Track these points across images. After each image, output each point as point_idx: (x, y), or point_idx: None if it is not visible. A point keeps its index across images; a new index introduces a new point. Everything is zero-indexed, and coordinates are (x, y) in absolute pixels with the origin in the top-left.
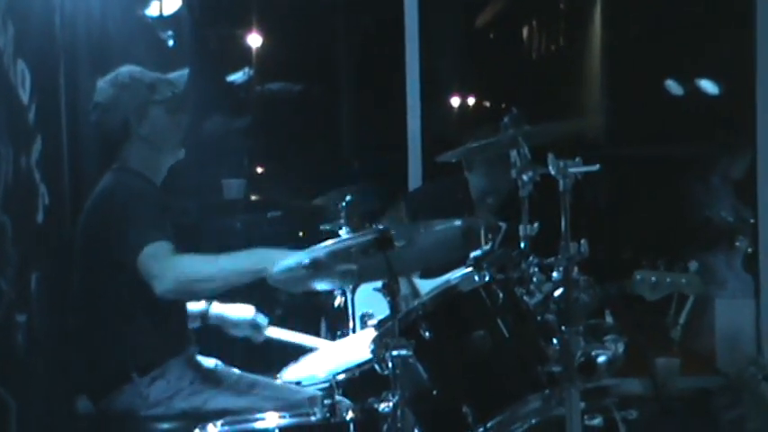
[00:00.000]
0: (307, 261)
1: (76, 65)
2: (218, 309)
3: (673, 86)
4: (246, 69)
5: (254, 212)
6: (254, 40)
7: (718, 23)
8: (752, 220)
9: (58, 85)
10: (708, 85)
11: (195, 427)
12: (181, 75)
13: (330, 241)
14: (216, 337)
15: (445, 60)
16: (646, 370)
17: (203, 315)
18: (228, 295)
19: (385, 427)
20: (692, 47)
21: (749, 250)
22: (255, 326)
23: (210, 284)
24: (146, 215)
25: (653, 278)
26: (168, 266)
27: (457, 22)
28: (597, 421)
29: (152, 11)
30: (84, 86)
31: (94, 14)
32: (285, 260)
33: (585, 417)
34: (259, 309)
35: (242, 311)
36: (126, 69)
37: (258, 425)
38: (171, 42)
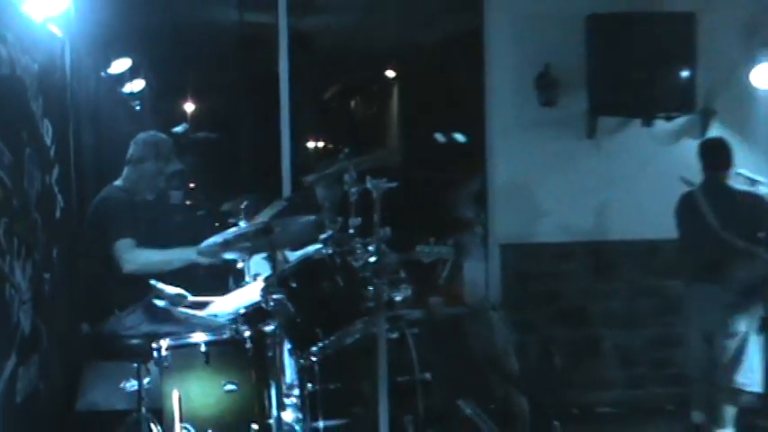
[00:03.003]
0: (221, 241)
1: (80, 122)
2: (161, 286)
3: (439, 136)
4: (185, 124)
5: (189, 212)
6: (189, 106)
7: (463, 96)
8: (480, 220)
9: (68, 134)
10: (459, 136)
11: (153, 342)
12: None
13: (234, 229)
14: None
15: (306, 118)
16: (424, 304)
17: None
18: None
19: (269, 341)
20: (449, 114)
21: (482, 233)
22: (182, 296)
23: (157, 267)
24: (120, 218)
25: (427, 249)
26: (130, 256)
27: (313, 94)
28: (395, 335)
29: (126, 89)
30: (85, 136)
31: (91, 91)
32: (208, 241)
33: (388, 332)
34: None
35: (175, 290)
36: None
37: (191, 340)
38: (138, 108)
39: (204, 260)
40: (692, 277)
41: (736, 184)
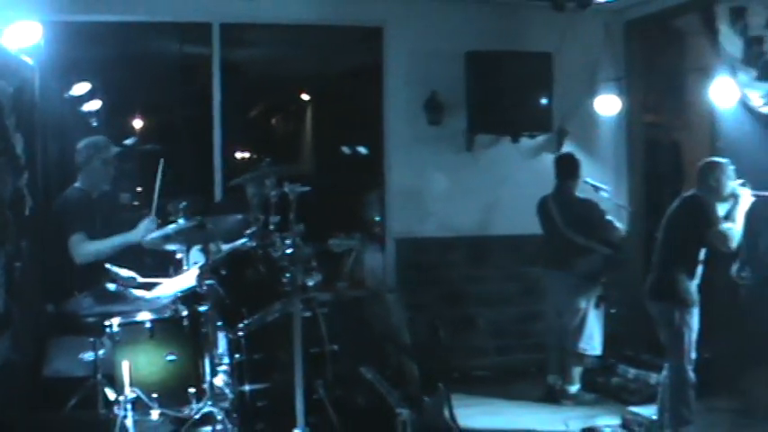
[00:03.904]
0: (163, 235)
1: (46, 135)
2: (115, 270)
3: (345, 149)
4: (134, 137)
5: (136, 211)
6: (138, 122)
7: (365, 116)
8: (379, 218)
9: (36, 145)
10: (361, 149)
11: (105, 320)
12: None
13: (174, 225)
14: None
15: (234, 133)
16: (332, 288)
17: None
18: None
19: (203, 319)
20: (353, 130)
21: (381, 229)
22: (133, 278)
23: (104, 254)
24: (75, 215)
25: (337, 242)
26: (81, 251)
27: (241, 113)
28: (308, 314)
29: (85, 108)
30: (50, 146)
31: (56, 109)
32: (153, 234)
33: (302, 311)
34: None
35: (127, 272)
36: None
37: (138, 318)
38: (95, 123)
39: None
40: (547, 265)
41: (584, 191)
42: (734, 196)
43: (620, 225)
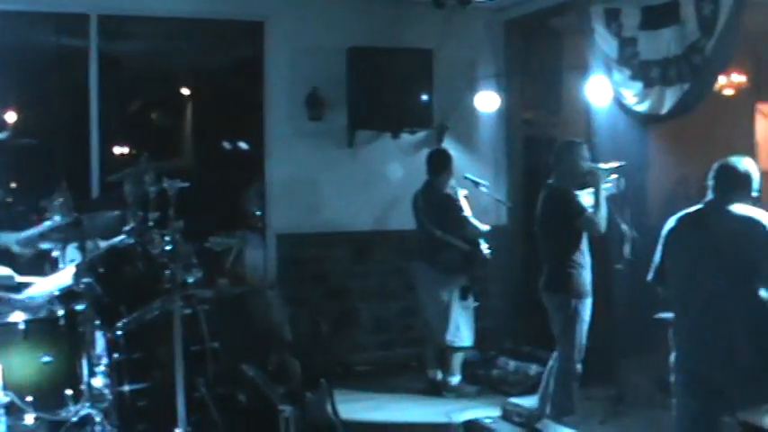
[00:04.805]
0: (38, 232)
1: None
2: None
3: (225, 144)
4: (7, 132)
5: (9, 208)
6: (12, 116)
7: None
8: (259, 212)
9: None
10: (242, 144)
11: None
12: None
13: (49, 222)
14: None
15: (113, 127)
16: (213, 284)
17: None
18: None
19: (80, 318)
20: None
21: (262, 225)
22: (10, 276)
23: None
24: None
25: (218, 240)
26: None
27: (119, 107)
28: (188, 311)
29: None
30: None
31: None
32: (27, 232)
33: (182, 309)
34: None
35: (4, 270)
36: None
37: (10, 320)
38: None
39: (17, 248)
40: (416, 258)
41: (463, 186)
42: (591, 174)
43: (476, 223)
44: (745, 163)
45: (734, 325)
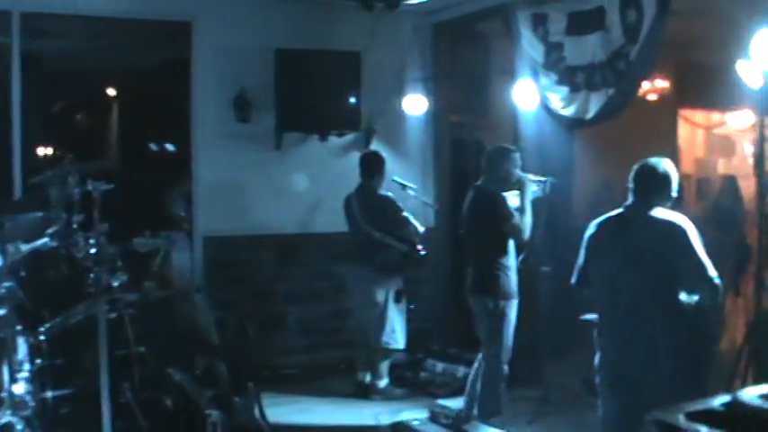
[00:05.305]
0: None
1: None
2: None
3: (152, 146)
4: None
5: None
6: None
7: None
8: (183, 214)
9: None
10: (169, 146)
11: None
12: None
13: None
14: None
15: (36, 128)
16: (139, 288)
17: None
18: None
19: (0, 323)
20: (161, 127)
21: (188, 227)
22: None
23: None
24: None
25: (143, 242)
26: None
27: (43, 108)
28: (114, 315)
29: None
30: None
31: None
32: None
33: (107, 313)
34: None
35: None
36: None
37: None
38: None
39: None
40: (350, 260)
41: (392, 189)
42: (520, 182)
43: (416, 223)
44: (664, 164)
45: (654, 327)
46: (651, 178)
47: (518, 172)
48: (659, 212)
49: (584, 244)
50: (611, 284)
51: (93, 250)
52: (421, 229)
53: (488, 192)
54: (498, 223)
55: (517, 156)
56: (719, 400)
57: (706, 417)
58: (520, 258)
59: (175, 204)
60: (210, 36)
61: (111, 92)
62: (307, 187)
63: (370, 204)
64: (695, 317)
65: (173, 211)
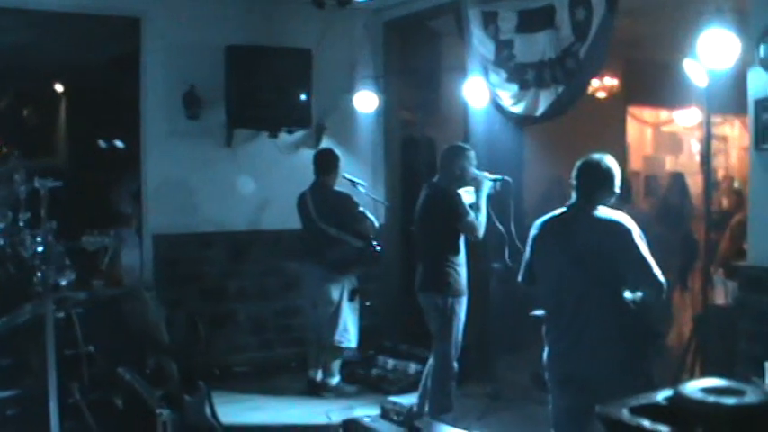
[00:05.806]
0: None
1: None
2: None
3: (101, 142)
4: None
5: None
6: None
7: (122, 108)
8: (131, 211)
9: None
10: (118, 143)
11: None
12: None
13: None
14: None
15: None
16: (87, 286)
17: None
18: None
19: None
20: (110, 123)
21: (138, 225)
22: None
23: None
24: None
25: (91, 240)
26: None
27: None
28: (62, 314)
29: None
30: None
31: None
32: None
33: (55, 312)
34: None
35: None
36: None
37: None
38: None
39: None
40: (304, 258)
41: (342, 186)
42: (475, 180)
43: (372, 218)
44: (607, 160)
45: (600, 324)
46: (594, 175)
47: (473, 170)
48: (602, 211)
49: (528, 243)
50: (557, 284)
51: (40, 248)
52: (377, 223)
53: (443, 189)
54: (452, 220)
55: (472, 154)
56: (663, 394)
57: (650, 411)
58: (508, 256)
59: (124, 202)
60: (160, 32)
61: (59, 88)
62: (257, 184)
63: (325, 201)
64: (640, 313)
65: (121, 208)
